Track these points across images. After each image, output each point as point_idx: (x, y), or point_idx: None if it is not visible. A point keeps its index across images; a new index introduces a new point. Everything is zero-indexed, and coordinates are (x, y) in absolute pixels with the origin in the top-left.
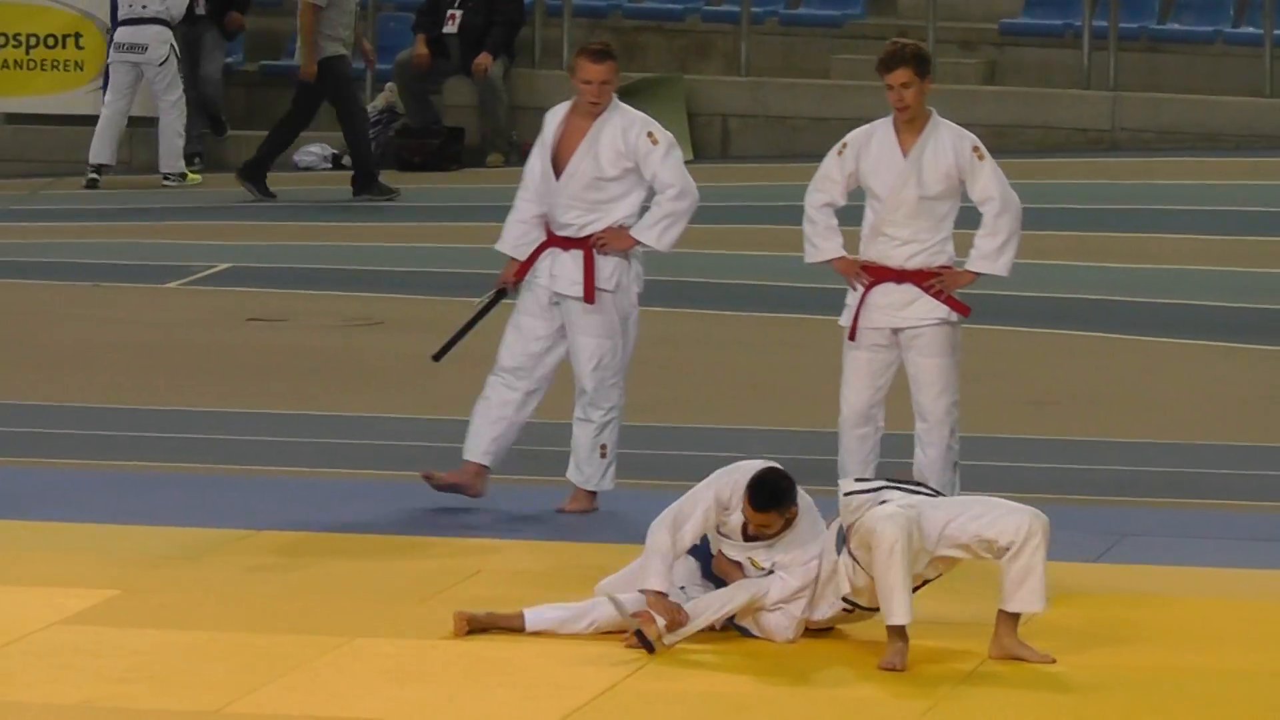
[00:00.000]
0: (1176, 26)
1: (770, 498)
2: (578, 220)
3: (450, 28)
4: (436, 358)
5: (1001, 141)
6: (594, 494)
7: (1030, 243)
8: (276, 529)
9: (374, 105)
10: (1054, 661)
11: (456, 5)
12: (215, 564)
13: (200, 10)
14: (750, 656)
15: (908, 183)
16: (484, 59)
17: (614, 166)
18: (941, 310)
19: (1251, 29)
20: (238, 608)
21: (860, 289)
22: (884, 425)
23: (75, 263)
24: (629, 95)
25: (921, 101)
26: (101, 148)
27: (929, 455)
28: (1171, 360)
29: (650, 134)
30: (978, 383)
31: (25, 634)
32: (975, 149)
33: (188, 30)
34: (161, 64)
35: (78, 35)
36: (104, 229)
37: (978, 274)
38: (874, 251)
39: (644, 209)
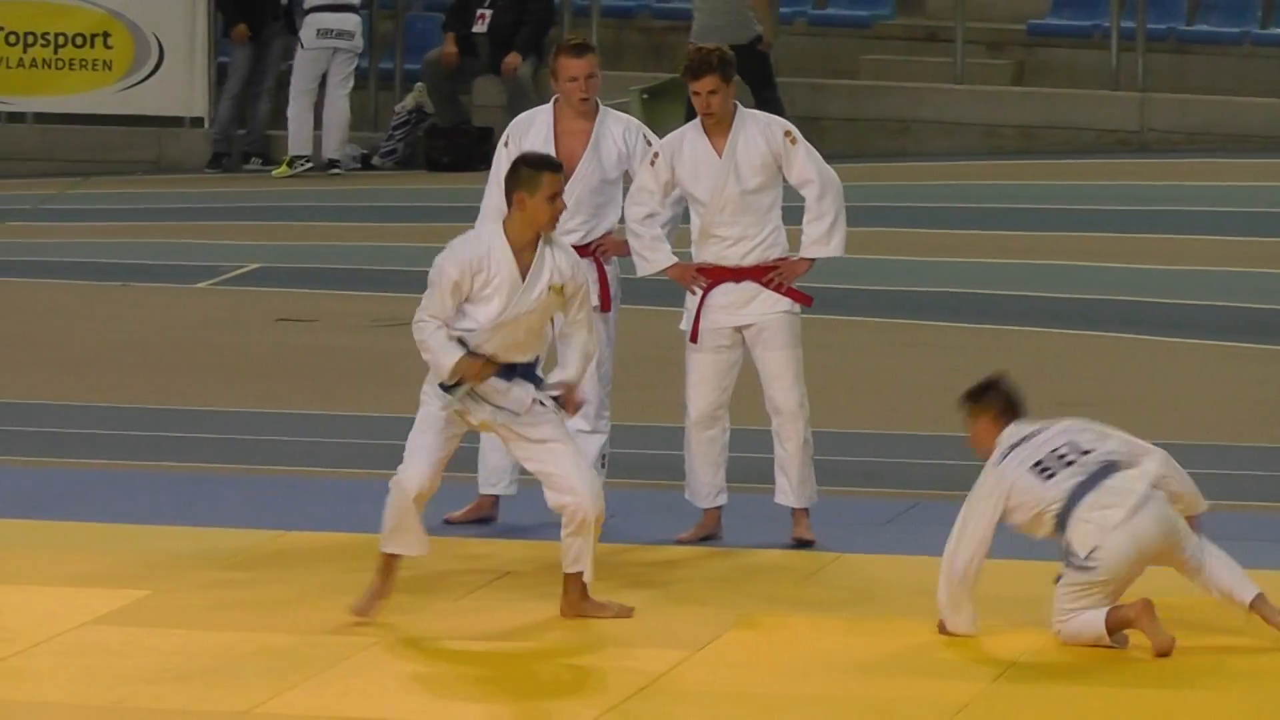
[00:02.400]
0: (1204, 27)
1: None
2: (583, 226)
3: (480, 27)
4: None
5: (1029, 142)
6: None
7: (1059, 244)
8: (305, 529)
9: (403, 105)
10: (630, 614)
11: (486, 4)
12: (244, 565)
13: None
14: (781, 650)
15: (727, 180)
16: (513, 59)
17: (615, 169)
18: (784, 303)
19: (1278, 30)
20: (267, 608)
21: (699, 292)
22: (730, 424)
23: (104, 262)
24: (657, 95)
25: (727, 105)
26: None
27: (788, 450)
28: (1200, 361)
29: (646, 138)
30: None
31: (55, 634)
32: (787, 134)
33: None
34: (360, 53)
35: (105, 34)
36: (133, 229)
37: (813, 260)
38: (707, 254)
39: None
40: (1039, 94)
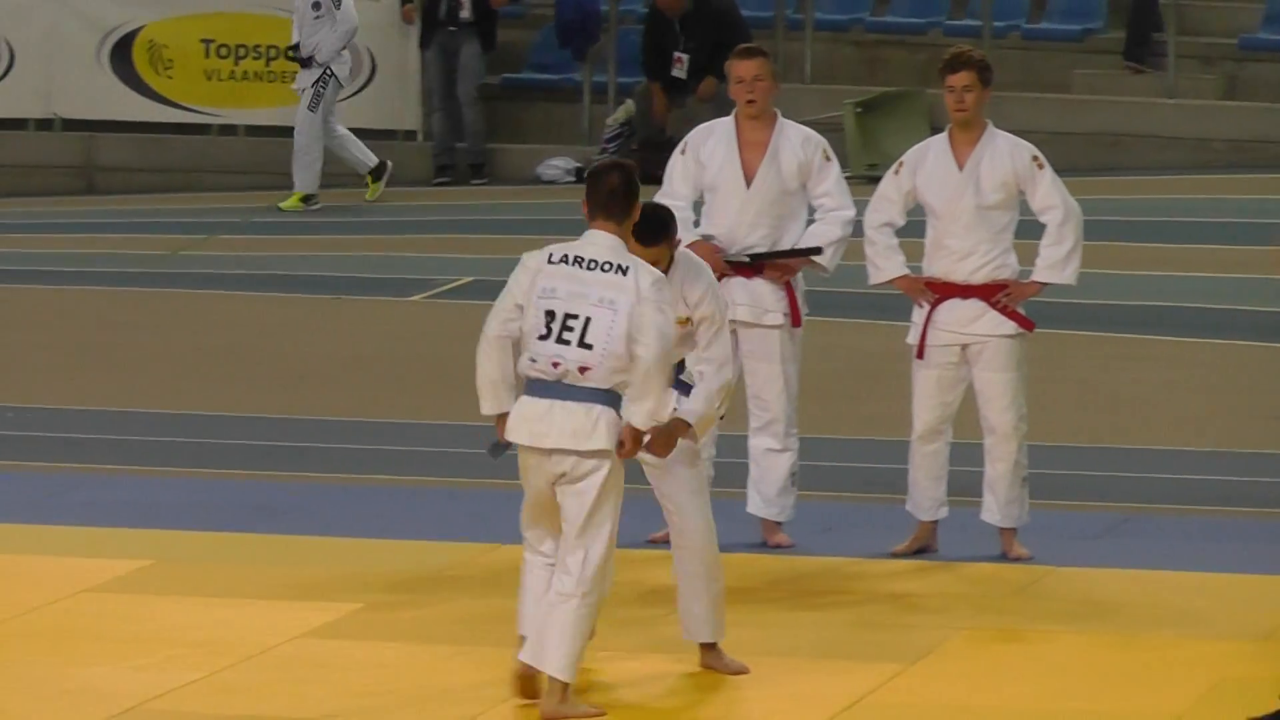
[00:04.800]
0: None
1: (659, 227)
2: (765, 240)
3: (679, 71)
4: None
5: (1241, 157)
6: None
7: (1270, 257)
8: (519, 543)
9: (614, 118)
10: (747, 671)
11: (681, 48)
12: (459, 578)
13: (465, 14)
14: (997, 661)
15: (964, 193)
16: (708, 84)
17: (794, 180)
18: (1008, 325)
19: None
20: (479, 622)
21: (926, 306)
22: (951, 438)
23: (316, 275)
24: (871, 109)
25: (980, 109)
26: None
27: (998, 470)
28: None
29: (825, 151)
30: (1222, 397)
31: (270, 647)
32: (1035, 158)
33: (446, 38)
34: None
35: None
36: (345, 242)
37: (1044, 284)
38: (937, 268)
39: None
40: (1250, 108)
